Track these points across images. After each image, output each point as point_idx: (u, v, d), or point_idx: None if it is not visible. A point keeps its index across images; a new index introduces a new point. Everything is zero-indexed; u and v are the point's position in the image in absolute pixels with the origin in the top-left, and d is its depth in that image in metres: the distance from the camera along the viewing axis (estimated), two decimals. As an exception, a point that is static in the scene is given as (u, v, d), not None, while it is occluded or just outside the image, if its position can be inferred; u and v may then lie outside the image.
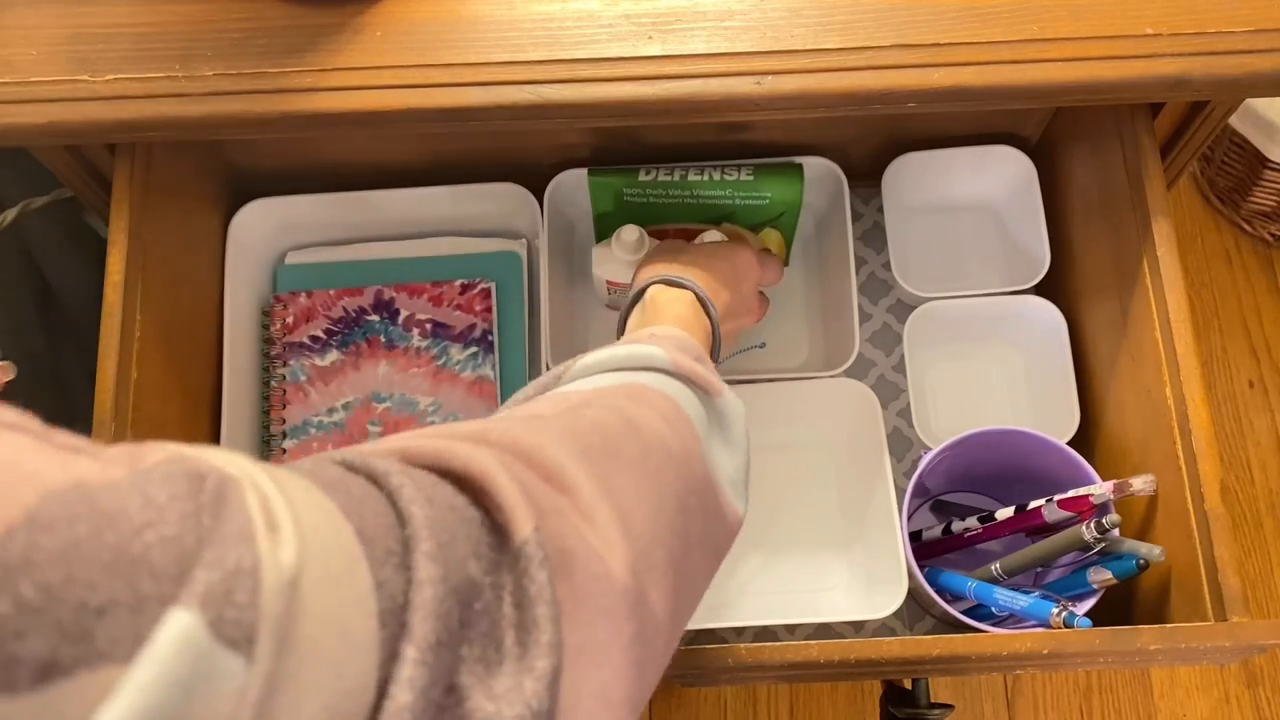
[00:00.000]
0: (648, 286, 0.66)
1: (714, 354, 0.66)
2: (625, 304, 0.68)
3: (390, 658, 0.29)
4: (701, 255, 0.70)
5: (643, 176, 0.82)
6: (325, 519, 0.29)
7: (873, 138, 0.87)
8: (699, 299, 0.65)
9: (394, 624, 0.29)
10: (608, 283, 0.83)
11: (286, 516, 0.27)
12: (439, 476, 0.35)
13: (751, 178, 0.81)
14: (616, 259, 0.80)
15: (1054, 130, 0.86)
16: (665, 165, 0.82)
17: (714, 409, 0.53)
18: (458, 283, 0.86)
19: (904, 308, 0.87)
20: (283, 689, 0.25)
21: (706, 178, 0.82)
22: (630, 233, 0.79)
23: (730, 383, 0.82)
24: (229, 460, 0.28)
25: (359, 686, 0.28)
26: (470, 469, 0.35)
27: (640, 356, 0.52)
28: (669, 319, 0.63)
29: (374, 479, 0.33)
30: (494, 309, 0.85)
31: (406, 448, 0.36)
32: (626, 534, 0.39)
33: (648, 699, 0.41)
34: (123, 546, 0.23)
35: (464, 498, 0.34)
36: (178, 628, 0.23)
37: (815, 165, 0.84)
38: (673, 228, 0.85)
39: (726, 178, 0.81)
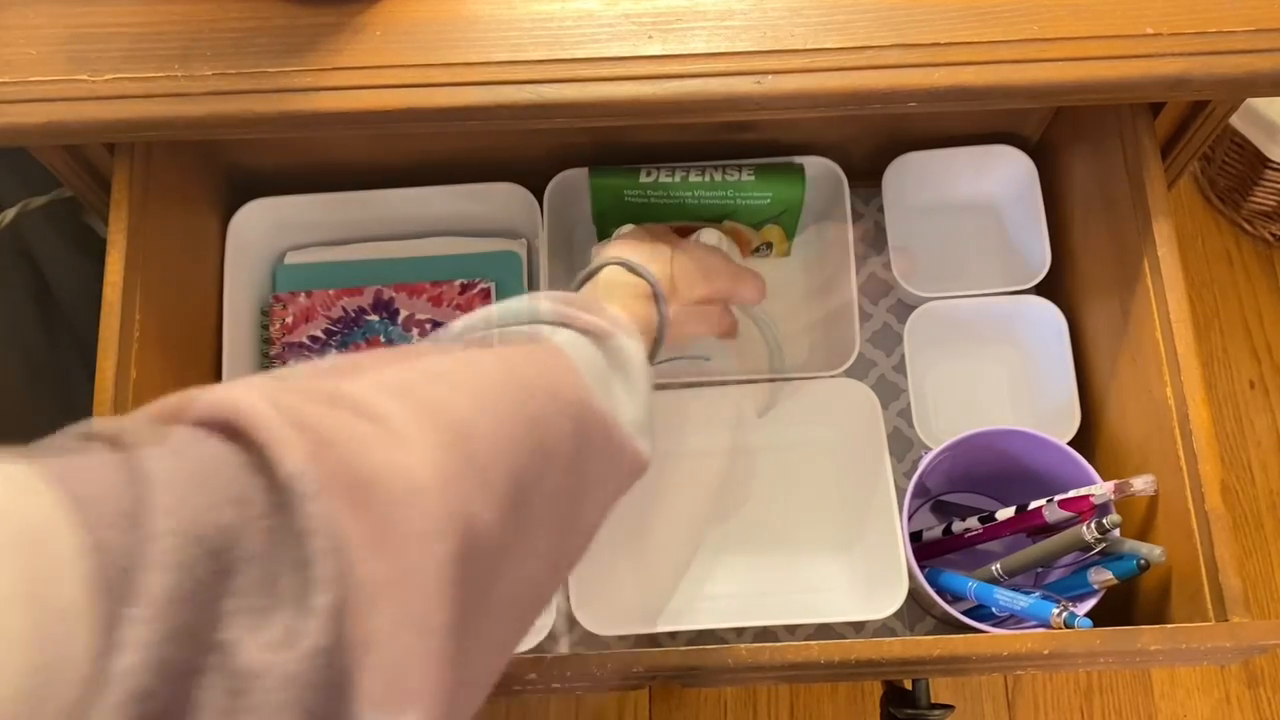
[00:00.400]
0: (604, 265, 0.64)
1: (654, 351, 0.63)
2: (578, 278, 0.66)
3: (116, 621, 0.27)
4: (678, 251, 0.68)
5: (644, 178, 0.82)
6: (7, 487, 0.28)
7: (873, 137, 0.87)
8: (654, 292, 0.63)
9: (121, 585, 0.27)
10: (607, 283, 0.83)
11: None
12: (198, 428, 0.33)
13: (753, 178, 0.81)
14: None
15: (1054, 130, 0.86)
16: (666, 166, 0.82)
17: (610, 350, 0.53)
18: (457, 283, 0.86)
19: (904, 308, 0.87)
20: None
21: (707, 178, 0.82)
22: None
23: (730, 382, 0.82)
24: None
25: (66, 656, 0.26)
26: (224, 412, 0.33)
27: (513, 311, 0.52)
28: (613, 302, 0.60)
29: (111, 442, 0.32)
30: (494, 309, 0.85)
31: (164, 403, 0.35)
32: (452, 452, 0.37)
33: (502, 630, 0.40)
34: None
35: (228, 445, 0.33)
36: None
37: (815, 165, 0.84)
38: (674, 227, 0.85)
39: (728, 178, 0.81)
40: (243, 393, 0.34)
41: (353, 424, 0.36)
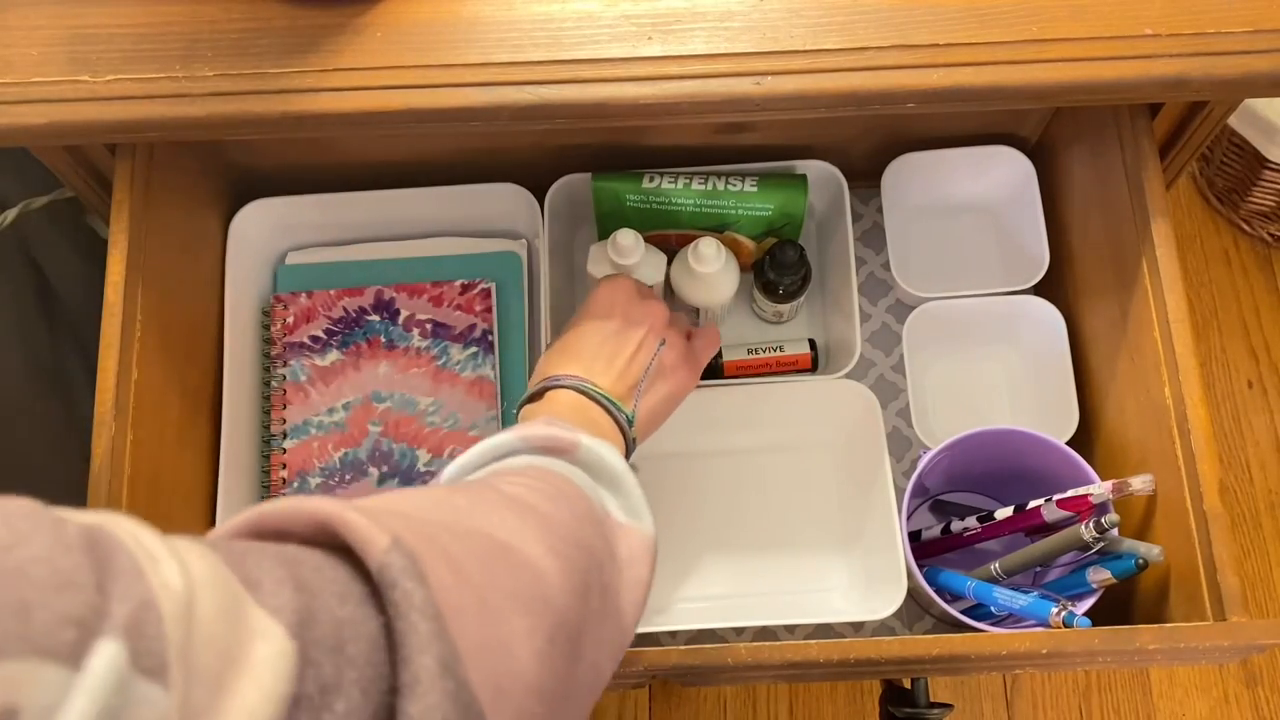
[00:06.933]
0: (551, 388, 0.64)
1: (629, 441, 0.64)
2: (521, 399, 0.66)
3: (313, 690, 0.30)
4: (631, 352, 0.67)
5: (646, 183, 0.82)
6: (205, 558, 0.30)
7: (872, 138, 0.87)
8: (581, 391, 0.63)
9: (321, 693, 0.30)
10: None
11: (162, 547, 0.28)
12: (299, 544, 0.36)
13: (755, 189, 0.81)
14: (611, 261, 0.80)
15: (1053, 131, 0.86)
16: (669, 172, 0.82)
17: (581, 463, 0.54)
18: (458, 283, 0.86)
19: (903, 308, 0.87)
20: (197, 716, 0.26)
21: (710, 187, 0.82)
22: (625, 236, 0.79)
23: (728, 384, 0.83)
24: (83, 512, 0.29)
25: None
26: (319, 514, 0.36)
27: (492, 447, 0.54)
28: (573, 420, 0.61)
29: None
30: (494, 309, 0.85)
31: (256, 520, 0.37)
32: (550, 548, 0.42)
33: (576, 713, 0.43)
34: None
35: (324, 554, 0.35)
36: (108, 658, 0.24)
37: (816, 169, 0.84)
38: (675, 234, 0.85)
39: (730, 188, 0.81)
40: (325, 500, 0.37)
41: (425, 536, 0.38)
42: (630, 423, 0.64)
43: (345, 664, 0.31)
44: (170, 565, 0.27)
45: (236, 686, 0.28)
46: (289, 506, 0.37)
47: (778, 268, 0.81)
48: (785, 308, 0.84)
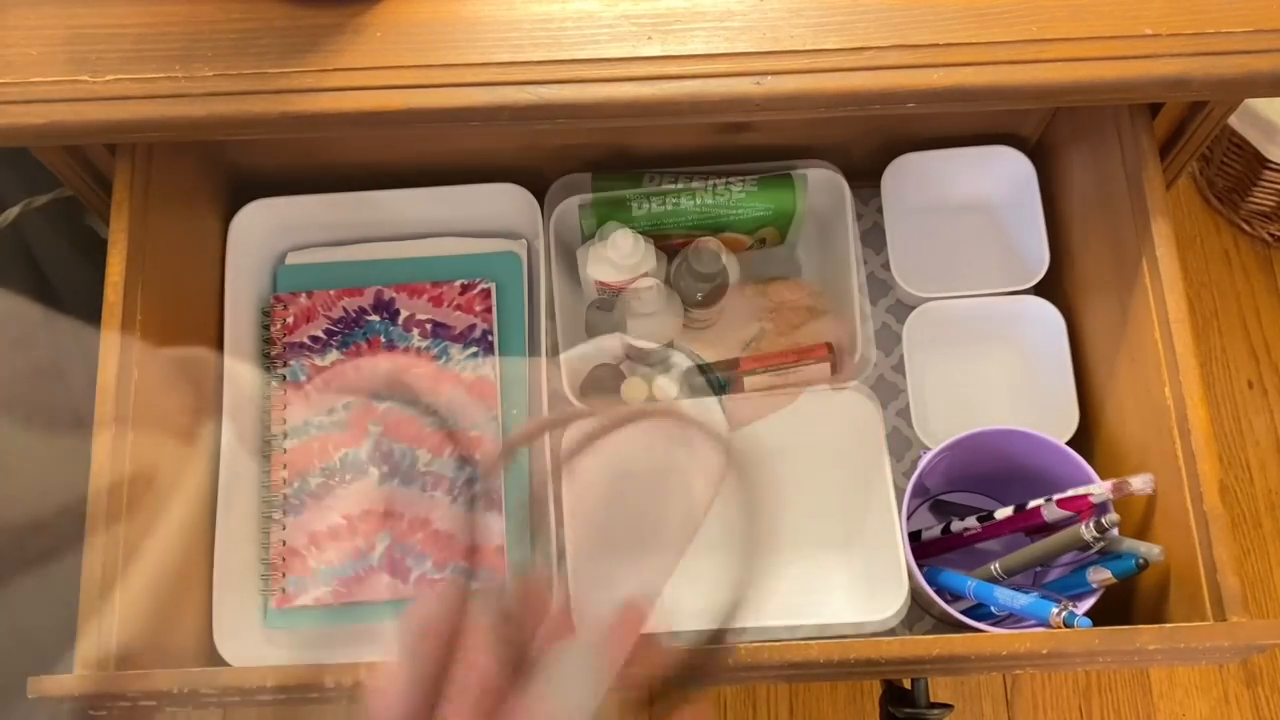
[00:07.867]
0: None
1: None
2: None
3: None
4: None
5: (646, 184, 0.82)
6: None
7: (872, 138, 0.87)
8: None
9: None
10: (596, 283, 0.83)
11: None
12: None
13: (755, 189, 0.81)
14: (610, 261, 0.80)
15: (1053, 131, 0.86)
16: (669, 172, 0.82)
17: None
18: (458, 283, 0.86)
19: (903, 308, 0.87)
20: None
21: (710, 187, 0.82)
22: (625, 237, 0.79)
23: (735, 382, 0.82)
24: None
25: None
26: None
27: None
28: None
29: None
30: (494, 309, 0.85)
31: None
32: None
33: None
34: None
35: None
36: None
37: (816, 169, 0.84)
38: (675, 234, 0.85)
39: (730, 188, 0.81)
40: None
41: None
42: None
43: None
44: None
45: None
46: None
47: (694, 274, 0.80)
48: (709, 313, 0.84)
